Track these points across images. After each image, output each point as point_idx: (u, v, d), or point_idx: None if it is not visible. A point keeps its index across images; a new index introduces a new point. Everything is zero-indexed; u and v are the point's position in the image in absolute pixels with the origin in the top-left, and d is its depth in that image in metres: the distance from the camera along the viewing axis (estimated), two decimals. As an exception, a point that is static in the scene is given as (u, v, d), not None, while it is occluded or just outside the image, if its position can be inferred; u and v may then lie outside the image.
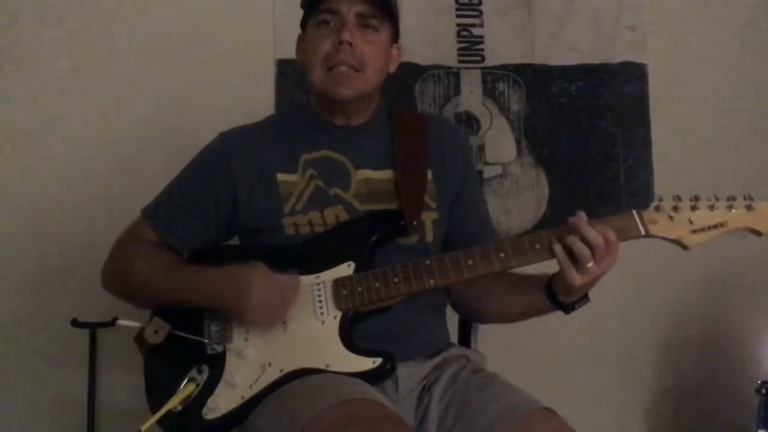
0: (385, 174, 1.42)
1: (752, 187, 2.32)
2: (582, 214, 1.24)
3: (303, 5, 1.46)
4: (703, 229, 1.23)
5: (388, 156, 1.44)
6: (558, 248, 1.23)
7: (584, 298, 1.29)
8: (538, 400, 1.22)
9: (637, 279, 2.21)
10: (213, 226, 1.42)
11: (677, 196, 1.25)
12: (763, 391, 1.89)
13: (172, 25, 2.17)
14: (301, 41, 1.47)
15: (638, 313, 2.31)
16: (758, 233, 1.24)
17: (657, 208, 1.25)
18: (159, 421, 1.25)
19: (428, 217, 1.42)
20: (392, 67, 1.48)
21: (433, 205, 1.43)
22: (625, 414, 2.32)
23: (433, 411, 1.28)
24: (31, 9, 2.11)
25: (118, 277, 1.42)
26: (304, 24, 1.46)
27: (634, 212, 1.26)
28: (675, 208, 1.24)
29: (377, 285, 1.28)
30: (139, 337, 1.32)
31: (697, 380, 2.34)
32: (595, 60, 2.36)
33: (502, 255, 1.28)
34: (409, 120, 1.51)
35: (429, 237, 1.41)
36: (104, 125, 2.12)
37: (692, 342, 2.36)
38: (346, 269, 1.31)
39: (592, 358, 2.27)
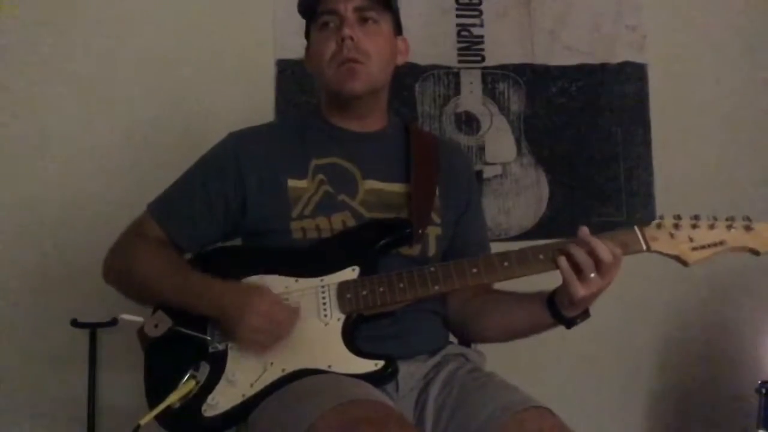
0: (397, 187, 1.43)
1: (752, 187, 2.35)
2: (586, 229, 1.24)
3: (302, 13, 1.46)
4: (702, 247, 1.26)
5: (401, 169, 1.45)
6: (562, 260, 1.23)
7: (585, 313, 1.29)
8: (533, 399, 1.22)
9: (638, 279, 2.20)
10: (220, 226, 1.41)
11: (677, 215, 1.28)
12: (763, 391, 1.89)
13: (172, 25, 2.18)
14: (308, 51, 1.48)
15: (638, 314, 2.31)
16: (756, 253, 1.27)
17: (658, 226, 1.28)
18: (157, 418, 1.24)
19: (432, 232, 1.43)
20: (400, 60, 1.49)
21: (438, 221, 1.44)
22: (625, 414, 2.32)
23: (428, 408, 1.29)
24: (32, 13, 2.11)
25: (121, 271, 1.41)
26: (307, 34, 1.47)
27: (636, 228, 1.28)
28: (676, 226, 1.27)
29: (381, 289, 1.28)
30: (141, 331, 1.32)
31: (697, 380, 2.34)
32: (595, 60, 2.36)
33: (506, 264, 1.28)
34: (425, 139, 1.53)
35: (431, 251, 1.42)
36: (104, 126, 2.13)
37: (692, 342, 2.36)
38: (350, 273, 1.31)
39: (592, 358, 2.27)
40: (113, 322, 1.96)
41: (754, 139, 2.42)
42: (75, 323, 2.00)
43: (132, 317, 1.33)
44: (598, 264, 1.21)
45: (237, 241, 1.49)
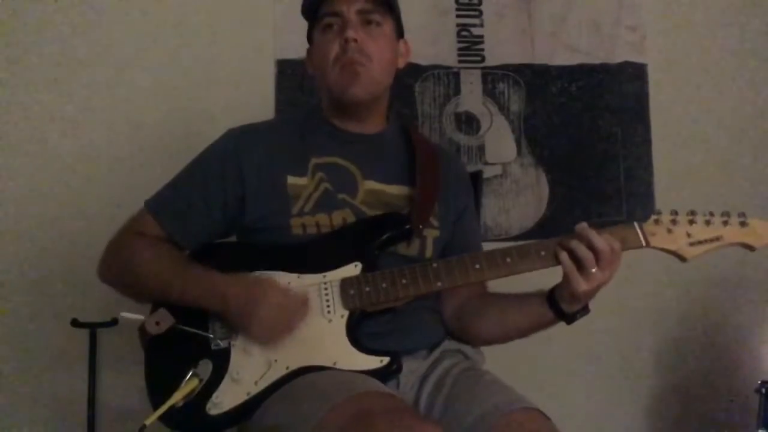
0: (397, 189, 1.44)
1: (752, 187, 2.35)
2: (584, 224, 1.26)
3: (305, 14, 1.46)
4: (700, 242, 1.28)
5: (402, 172, 1.45)
6: (564, 255, 1.25)
7: (585, 309, 1.30)
8: (523, 399, 1.22)
9: (638, 279, 2.21)
10: (218, 223, 1.41)
11: (674, 210, 1.29)
12: (763, 391, 1.89)
13: (172, 24, 2.18)
14: (310, 53, 1.48)
15: (638, 314, 2.32)
16: (752, 248, 1.29)
17: (656, 221, 1.30)
18: (161, 417, 1.24)
19: (430, 234, 1.43)
20: (401, 63, 1.49)
21: (436, 224, 1.45)
22: (625, 414, 2.32)
23: (420, 405, 1.29)
24: (36, 9, 2.11)
25: (120, 269, 1.39)
26: (310, 36, 1.47)
27: (636, 224, 1.30)
28: (673, 222, 1.29)
29: (384, 285, 1.29)
30: (142, 329, 1.31)
31: (697, 380, 2.34)
32: (595, 60, 2.37)
33: (508, 260, 1.29)
34: (425, 144, 1.53)
35: (429, 252, 1.42)
36: (105, 125, 2.13)
37: (692, 342, 2.36)
38: (353, 269, 1.31)
39: (592, 358, 2.27)
40: (113, 321, 1.96)
41: (754, 139, 2.43)
42: (75, 323, 2.00)
43: (132, 315, 1.32)
44: (598, 257, 1.22)
45: (233, 239, 1.49)
